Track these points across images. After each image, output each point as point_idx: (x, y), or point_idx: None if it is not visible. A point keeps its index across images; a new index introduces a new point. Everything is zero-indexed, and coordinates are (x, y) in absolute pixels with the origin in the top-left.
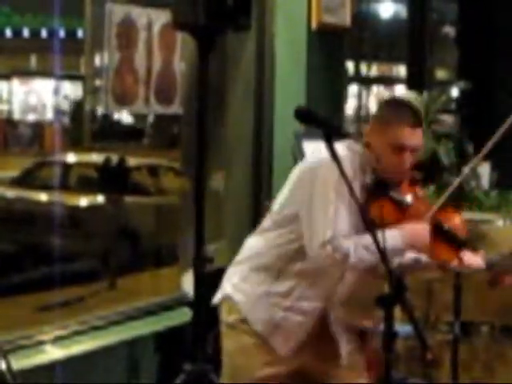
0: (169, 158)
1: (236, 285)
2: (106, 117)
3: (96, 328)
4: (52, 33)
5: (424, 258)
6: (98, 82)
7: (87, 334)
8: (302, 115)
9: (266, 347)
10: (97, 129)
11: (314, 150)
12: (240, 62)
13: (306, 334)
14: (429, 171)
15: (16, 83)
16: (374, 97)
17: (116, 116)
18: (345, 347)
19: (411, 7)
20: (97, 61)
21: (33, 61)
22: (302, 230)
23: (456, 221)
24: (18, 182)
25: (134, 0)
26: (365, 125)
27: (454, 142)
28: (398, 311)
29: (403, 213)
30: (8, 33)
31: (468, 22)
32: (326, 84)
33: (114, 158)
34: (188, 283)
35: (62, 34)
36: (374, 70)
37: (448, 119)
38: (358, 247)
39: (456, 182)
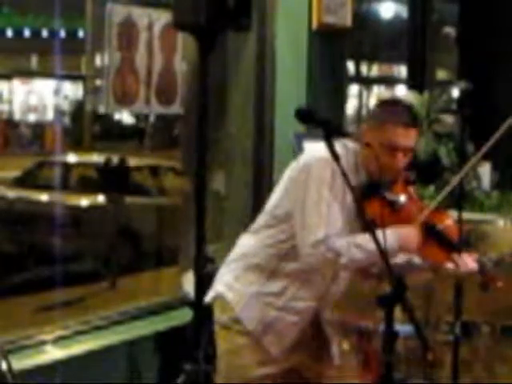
0: (169, 158)
1: (228, 284)
2: (107, 117)
3: (97, 328)
4: (53, 33)
5: (417, 259)
6: (98, 82)
7: (88, 334)
8: (302, 115)
9: (260, 347)
10: (97, 129)
11: (308, 149)
12: (241, 62)
13: (299, 334)
14: (429, 171)
15: (17, 83)
16: (375, 97)
17: (117, 116)
18: (336, 348)
19: (412, 7)
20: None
21: (33, 61)
22: (293, 229)
23: (449, 223)
24: (19, 183)
25: (135, 0)
26: (360, 125)
27: (455, 142)
28: (398, 311)
29: (396, 213)
30: (9, 33)
31: (469, 22)
32: (327, 84)
33: (115, 159)
34: (189, 283)
35: (62, 34)
36: (375, 70)
37: (449, 119)
38: (351, 247)
39: (451, 184)
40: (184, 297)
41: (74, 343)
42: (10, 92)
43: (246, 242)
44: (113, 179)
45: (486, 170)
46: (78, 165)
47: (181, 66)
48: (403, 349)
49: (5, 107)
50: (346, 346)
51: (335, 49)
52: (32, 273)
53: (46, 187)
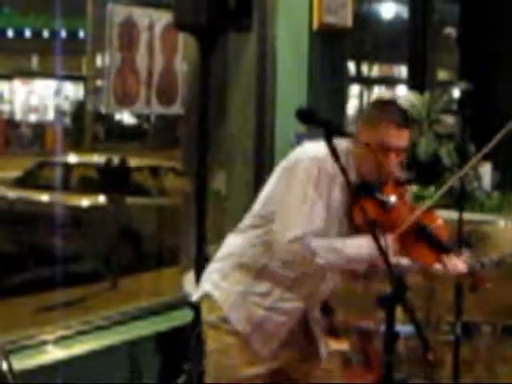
0: (170, 158)
1: (216, 283)
2: (108, 117)
3: (98, 328)
4: (53, 33)
5: (405, 261)
6: (99, 83)
7: (89, 334)
8: (303, 115)
9: (248, 347)
10: (98, 129)
11: (299, 148)
12: (241, 62)
13: (288, 334)
14: (430, 171)
15: (17, 84)
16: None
17: (117, 116)
18: (324, 348)
19: (413, 8)
20: (98, 61)
21: (34, 61)
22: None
23: (439, 224)
24: (20, 183)
25: (136, 1)
26: (354, 125)
27: (456, 143)
28: (399, 312)
29: (386, 213)
30: (10, 33)
31: (469, 22)
32: (328, 84)
33: (116, 159)
34: (189, 284)
35: (63, 34)
36: (376, 71)
37: (449, 120)
38: (328, 249)
39: (445, 186)
40: (185, 297)
41: (74, 343)
42: (10, 92)
43: (233, 242)
44: (113, 179)
45: (486, 171)
46: (79, 165)
47: (181, 66)
48: (404, 349)
49: (6, 107)
50: (345, 346)
51: (336, 49)
52: (33, 273)
53: (47, 187)
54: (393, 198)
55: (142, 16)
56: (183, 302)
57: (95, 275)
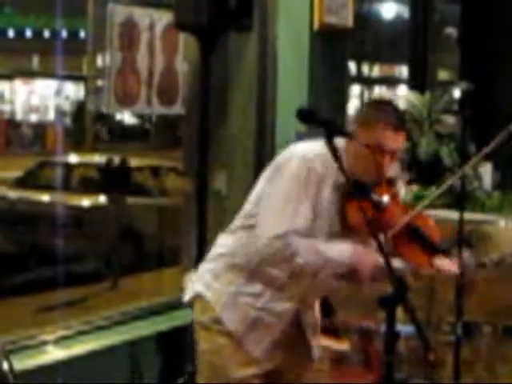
0: (170, 158)
1: (208, 283)
2: (109, 117)
3: (98, 328)
4: (54, 33)
5: (397, 262)
6: (99, 83)
7: (90, 334)
8: (304, 115)
9: (241, 347)
10: (99, 129)
11: (291, 148)
12: (242, 62)
13: (280, 335)
14: (431, 171)
15: (18, 84)
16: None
17: (118, 116)
18: (316, 349)
19: (413, 7)
20: (99, 61)
21: (35, 61)
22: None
23: (431, 225)
24: (21, 183)
25: (136, 0)
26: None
27: (456, 143)
28: (400, 312)
29: (379, 214)
30: (10, 33)
31: (470, 22)
32: (328, 84)
33: (116, 159)
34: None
35: (64, 34)
36: (376, 71)
37: (450, 120)
38: (309, 250)
39: (441, 188)
40: None
41: (75, 343)
42: (11, 92)
43: (224, 242)
44: (114, 179)
45: (487, 171)
46: (80, 165)
47: (182, 66)
48: (405, 349)
49: (6, 107)
50: (345, 346)
51: (337, 49)
52: (34, 273)
53: (48, 187)
54: (385, 199)
55: (143, 16)
56: (184, 303)
57: (96, 275)
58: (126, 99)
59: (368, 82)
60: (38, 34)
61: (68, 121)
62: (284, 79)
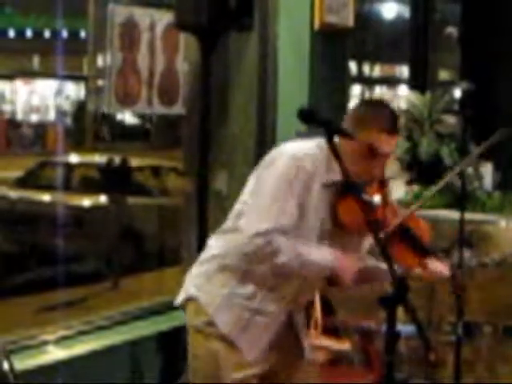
0: (171, 158)
1: (200, 286)
2: (109, 117)
3: (99, 328)
4: (55, 33)
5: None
6: (100, 83)
7: (90, 334)
8: (304, 115)
9: (234, 350)
10: (99, 129)
11: (278, 148)
12: (243, 62)
13: (274, 336)
14: (431, 171)
15: (19, 84)
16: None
17: (119, 116)
18: (309, 349)
19: (414, 7)
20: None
21: (36, 61)
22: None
23: (422, 227)
24: (21, 183)
25: (137, 1)
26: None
27: (457, 143)
28: (400, 312)
29: (369, 213)
30: (11, 33)
31: (471, 22)
32: (329, 84)
33: (117, 159)
34: None
35: (64, 34)
36: (377, 71)
37: (451, 120)
38: (290, 250)
39: (434, 190)
40: None
41: (76, 343)
42: (12, 92)
43: (215, 243)
44: (115, 179)
45: (487, 171)
46: (80, 165)
47: (183, 66)
48: (405, 349)
49: (7, 107)
50: (346, 345)
51: (337, 49)
52: (34, 273)
53: (48, 187)
54: (377, 199)
55: (143, 16)
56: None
57: (96, 275)
58: (126, 99)
59: (369, 82)
60: (38, 34)
61: (68, 121)
62: (284, 79)
